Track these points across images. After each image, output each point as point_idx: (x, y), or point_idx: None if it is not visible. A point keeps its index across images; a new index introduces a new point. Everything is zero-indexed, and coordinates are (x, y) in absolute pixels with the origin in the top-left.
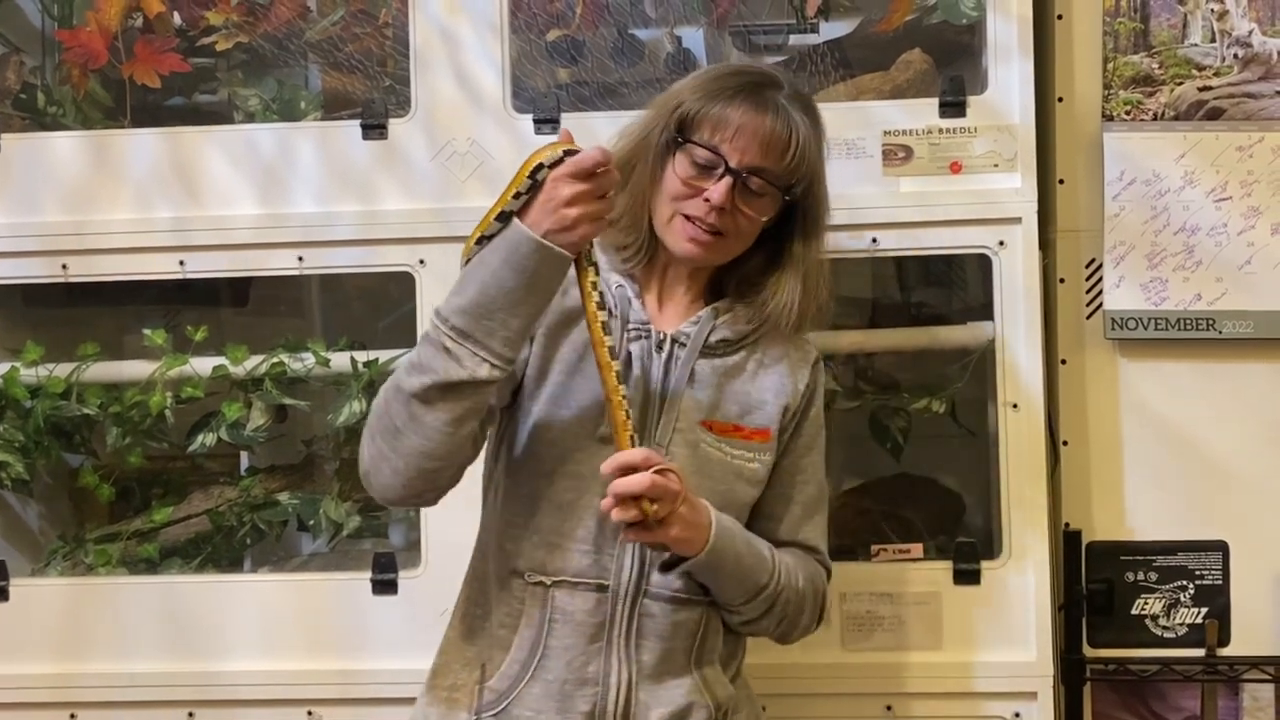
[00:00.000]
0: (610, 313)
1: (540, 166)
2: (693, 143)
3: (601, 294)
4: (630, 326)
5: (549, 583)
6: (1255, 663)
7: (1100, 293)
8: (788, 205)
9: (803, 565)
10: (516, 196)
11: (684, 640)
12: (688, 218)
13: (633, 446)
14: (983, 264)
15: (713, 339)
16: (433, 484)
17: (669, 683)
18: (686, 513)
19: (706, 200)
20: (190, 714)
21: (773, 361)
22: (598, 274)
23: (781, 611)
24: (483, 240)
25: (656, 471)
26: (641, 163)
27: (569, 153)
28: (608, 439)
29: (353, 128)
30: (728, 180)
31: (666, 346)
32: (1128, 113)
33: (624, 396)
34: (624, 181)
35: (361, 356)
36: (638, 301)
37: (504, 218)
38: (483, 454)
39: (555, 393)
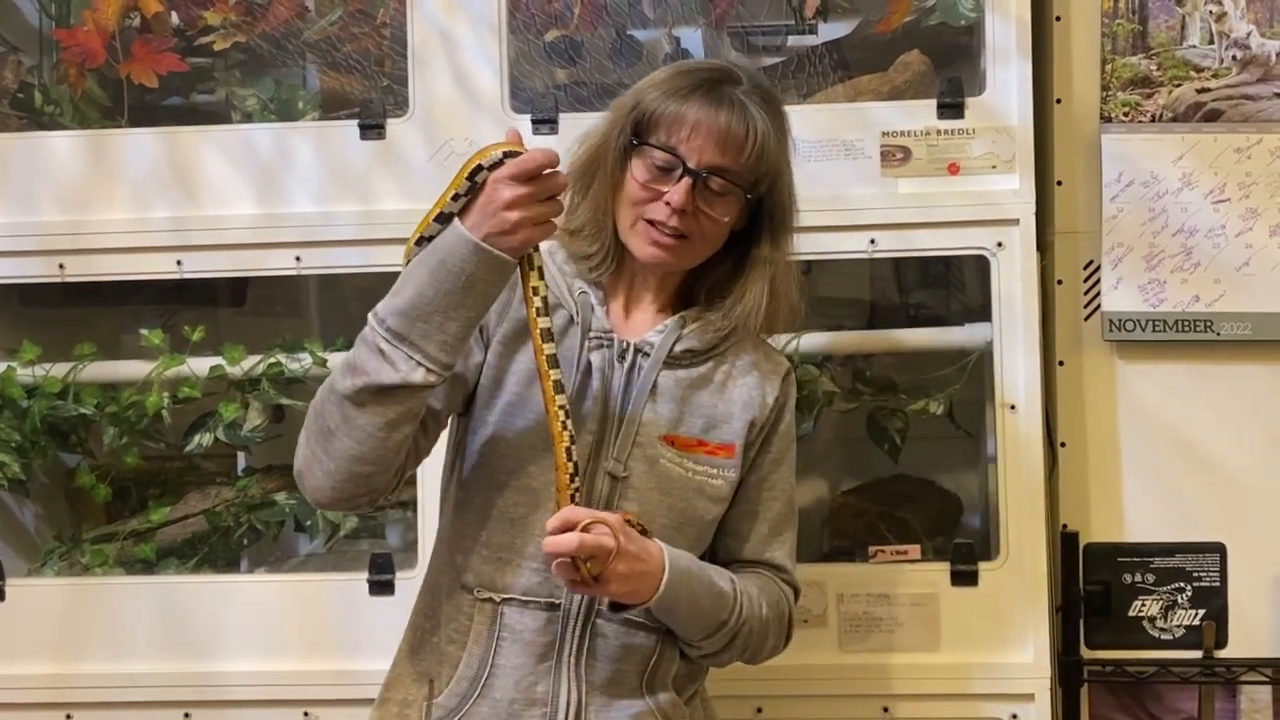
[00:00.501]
0: (572, 319)
1: (479, 169)
2: (649, 145)
3: (544, 300)
4: (592, 335)
5: (498, 600)
6: (1253, 664)
7: (1098, 294)
8: (754, 205)
9: (767, 590)
10: (455, 199)
11: (637, 664)
12: (650, 222)
13: (569, 459)
14: (981, 265)
15: (678, 349)
16: (365, 488)
17: (620, 704)
18: (624, 569)
19: (667, 203)
20: (186, 714)
21: (741, 374)
22: (541, 278)
23: (744, 644)
24: (423, 241)
25: (586, 527)
26: (601, 168)
27: (510, 154)
28: None
29: (350, 128)
30: (687, 181)
31: (629, 356)
32: (1126, 114)
33: (561, 407)
34: (585, 188)
35: None
36: (601, 309)
37: (444, 219)
38: (441, 463)
39: (511, 403)
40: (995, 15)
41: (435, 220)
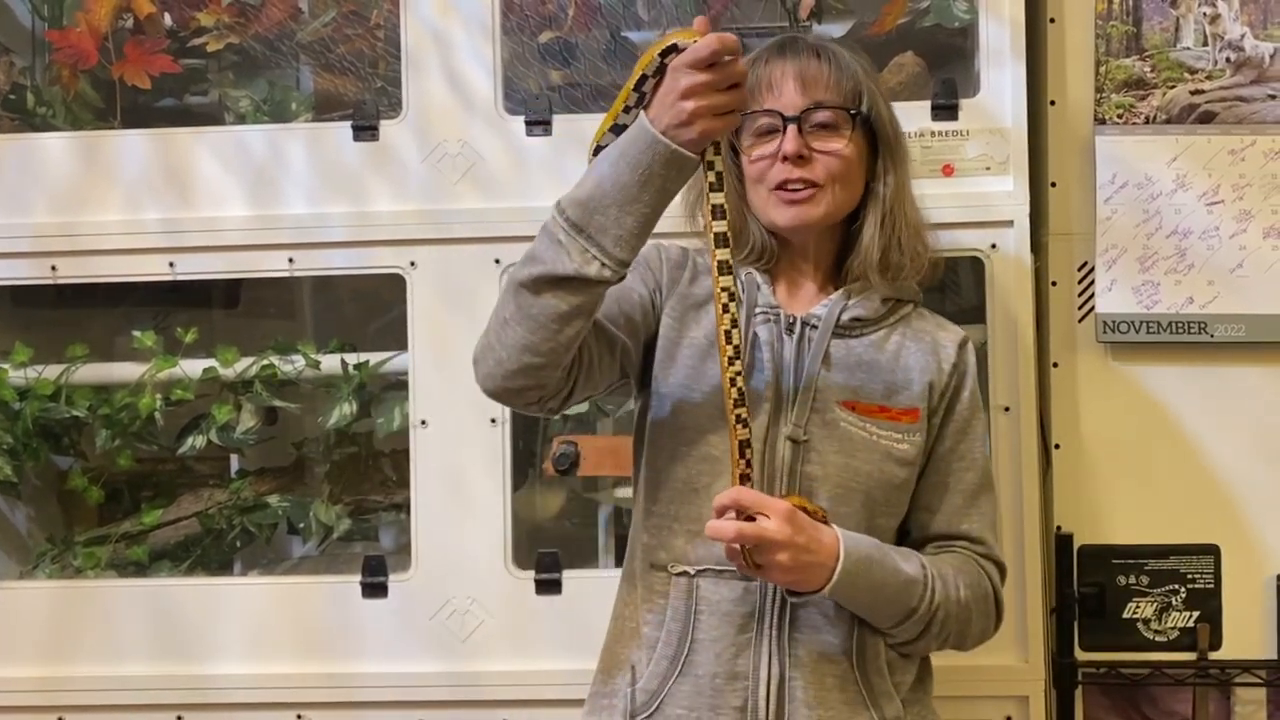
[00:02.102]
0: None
1: (644, 78)
2: (746, 114)
3: (720, 175)
4: (758, 310)
5: (692, 572)
6: (1247, 666)
7: (1092, 296)
8: (868, 137)
9: (965, 571)
10: (627, 110)
11: (840, 639)
12: (779, 188)
13: (733, 385)
14: (975, 267)
15: (845, 318)
16: (534, 380)
17: (827, 681)
18: (787, 559)
19: (784, 158)
20: (179, 717)
21: (915, 341)
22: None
23: (941, 630)
24: (599, 151)
25: (749, 516)
26: None
27: (669, 50)
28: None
29: (344, 129)
30: (792, 128)
31: (797, 329)
32: (1120, 116)
33: (728, 313)
34: None
35: (352, 359)
36: (768, 288)
37: (616, 130)
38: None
39: (687, 375)
40: (989, 17)
41: (611, 131)
